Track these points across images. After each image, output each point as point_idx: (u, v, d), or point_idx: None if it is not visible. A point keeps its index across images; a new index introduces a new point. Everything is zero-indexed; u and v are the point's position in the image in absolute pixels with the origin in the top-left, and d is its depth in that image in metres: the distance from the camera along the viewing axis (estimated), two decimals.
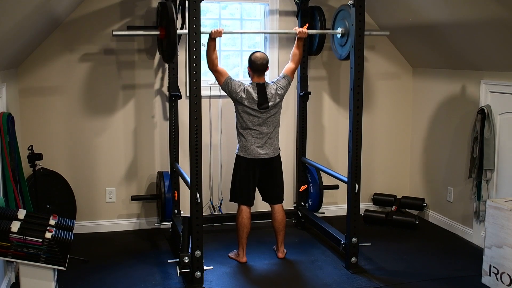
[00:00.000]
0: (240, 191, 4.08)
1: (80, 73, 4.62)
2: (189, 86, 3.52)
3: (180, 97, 4.61)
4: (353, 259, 3.96)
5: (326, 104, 5.22)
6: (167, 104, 4.76)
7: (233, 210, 4.52)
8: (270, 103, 3.94)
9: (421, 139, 5.26)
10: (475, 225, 4.51)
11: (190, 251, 3.63)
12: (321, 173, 4.78)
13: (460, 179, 4.69)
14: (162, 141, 4.84)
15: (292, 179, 5.11)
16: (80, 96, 4.65)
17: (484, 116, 4.24)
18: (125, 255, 4.26)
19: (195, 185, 3.57)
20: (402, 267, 4.07)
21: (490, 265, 3.63)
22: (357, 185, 3.89)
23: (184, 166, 4.46)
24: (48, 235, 3.09)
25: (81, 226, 4.68)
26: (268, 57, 4.13)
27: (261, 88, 3.95)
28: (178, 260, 3.65)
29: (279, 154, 4.13)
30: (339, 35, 4.20)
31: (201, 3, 3.43)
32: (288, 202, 4.97)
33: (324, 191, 4.87)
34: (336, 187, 5.00)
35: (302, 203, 5.00)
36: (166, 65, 4.67)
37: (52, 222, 3.27)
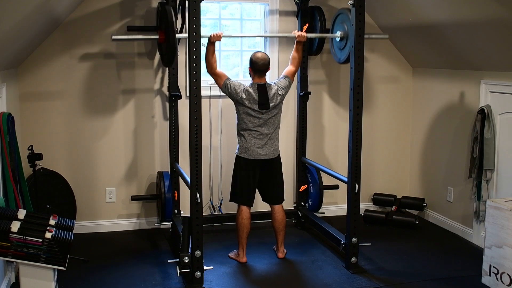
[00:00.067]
0: (240, 192, 4.08)
1: (80, 73, 4.62)
2: (189, 86, 3.52)
3: (180, 97, 4.61)
4: (353, 259, 3.96)
5: (326, 104, 5.22)
6: (167, 104, 4.76)
7: (233, 210, 4.52)
8: (271, 104, 3.94)
9: (421, 139, 5.26)
10: (475, 225, 4.51)
11: (190, 251, 3.63)
12: (321, 173, 4.78)
13: (460, 179, 4.69)
14: (162, 141, 4.84)
15: (292, 179, 5.11)
16: (80, 96, 4.65)
17: (484, 116, 4.24)
18: (125, 255, 4.26)
19: (195, 185, 3.57)
20: (402, 267, 4.07)
21: (490, 265, 3.63)
22: (357, 185, 3.89)
23: (184, 166, 4.46)
24: (48, 235, 3.09)
25: (81, 226, 4.68)
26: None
27: (262, 88, 3.95)
28: (178, 260, 3.65)
29: (279, 155, 4.13)
30: (338, 39, 4.20)
31: (201, 3, 3.43)
32: (288, 202, 4.97)
33: (324, 191, 4.87)
34: (336, 187, 5.00)
35: (302, 203, 5.00)
36: None
37: (52, 222, 3.27)
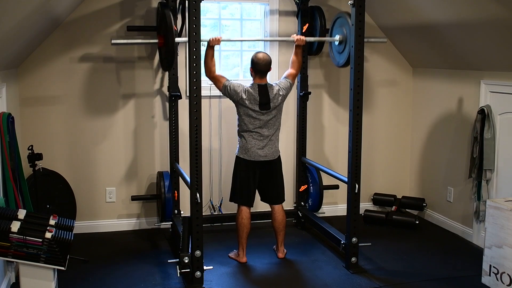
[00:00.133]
0: (240, 192, 4.08)
1: (80, 73, 4.62)
2: (189, 86, 3.52)
3: (180, 97, 4.61)
4: (353, 259, 3.96)
5: (326, 104, 5.22)
6: (167, 104, 4.76)
7: (233, 210, 4.52)
8: (271, 104, 3.94)
9: (421, 139, 5.26)
10: (475, 225, 4.51)
11: (190, 251, 3.63)
12: (321, 173, 4.78)
13: (460, 179, 4.69)
14: (162, 141, 4.84)
15: (292, 179, 5.11)
16: (80, 96, 4.65)
17: (484, 116, 4.24)
18: (125, 255, 4.26)
19: (195, 185, 3.58)
20: (402, 267, 4.07)
21: (490, 265, 3.63)
22: (357, 185, 3.89)
23: (184, 166, 4.46)
24: (48, 235, 3.09)
25: (81, 226, 4.68)
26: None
27: (263, 88, 3.95)
28: (178, 260, 3.65)
29: (279, 155, 4.12)
30: (336, 43, 4.19)
31: (201, 3, 3.43)
32: (288, 202, 4.96)
33: (324, 191, 4.87)
34: (336, 187, 5.00)
35: (302, 203, 5.00)
36: None
37: (52, 222, 3.27)
